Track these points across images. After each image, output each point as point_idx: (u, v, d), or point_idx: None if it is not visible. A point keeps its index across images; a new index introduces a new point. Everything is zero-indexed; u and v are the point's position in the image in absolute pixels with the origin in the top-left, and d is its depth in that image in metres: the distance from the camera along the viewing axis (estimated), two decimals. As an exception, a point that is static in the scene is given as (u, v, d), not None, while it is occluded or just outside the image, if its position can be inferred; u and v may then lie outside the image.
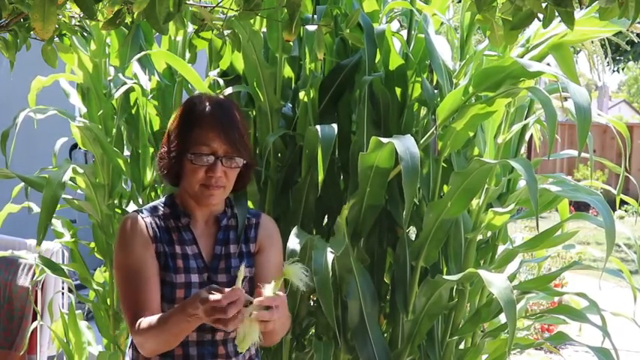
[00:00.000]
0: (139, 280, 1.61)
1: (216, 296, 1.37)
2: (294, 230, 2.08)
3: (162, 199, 1.78)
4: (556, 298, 3.49)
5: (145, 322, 1.56)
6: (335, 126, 2.15)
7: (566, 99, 2.13)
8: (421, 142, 2.17)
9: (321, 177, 2.06)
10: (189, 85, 2.50)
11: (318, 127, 2.12)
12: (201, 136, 1.65)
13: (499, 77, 2.01)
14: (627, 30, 2.02)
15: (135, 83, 2.46)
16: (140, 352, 1.64)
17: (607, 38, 2.09)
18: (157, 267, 1.65)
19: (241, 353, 1.70)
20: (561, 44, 2.00)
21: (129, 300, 1.62)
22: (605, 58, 2.13)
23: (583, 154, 1.90)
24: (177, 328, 1.49)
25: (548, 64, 2.12)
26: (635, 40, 2.05)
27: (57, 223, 2.82)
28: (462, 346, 2.44)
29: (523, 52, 2.14)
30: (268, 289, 1.43)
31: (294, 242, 2.03)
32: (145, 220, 1.69)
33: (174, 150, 1.68)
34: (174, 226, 1.71)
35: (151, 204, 1.78)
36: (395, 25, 2.60)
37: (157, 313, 1.59)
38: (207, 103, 1.69)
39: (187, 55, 2.52)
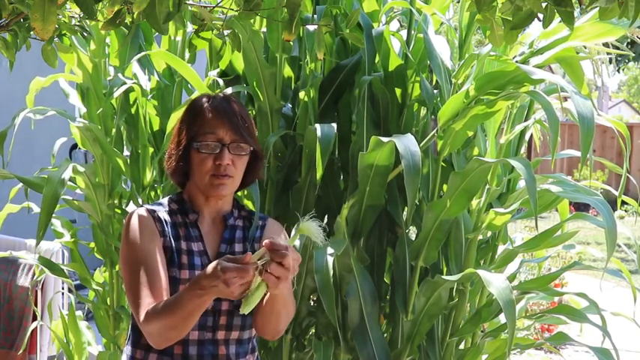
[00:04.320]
0: (146, 272, 1.59)
1: (241, 267, 1.35)
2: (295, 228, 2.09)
3: (169, 197, 1.79)
4: (556, 298, 3.49)
5: (152, 309, 1.53)
6: (334, 125, 2.15)
7: (565, 99, 2.13)
8: (422, 144, 2.17)
9: (319, 174, 2.07)
10: (189, 85, 2.50)
11: (317, 125, 2.13)
12: (206, 125, 1.67)
13: (501, 82, 2.01)
14: (631, 34, 2.01)
15: (134, 83, 2.46)
16: (150, 343, 1.59)
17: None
18: (164, 259, 1.64)
19: (241, 351, 1.70)
20: (570, 54, 1.99)
21: (136, 291, 1.59)
22: (610, 62, 2.12)
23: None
24: (190, 305, 1.44)
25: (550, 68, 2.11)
26: (637, 41, 2.05)
27: (57, 223, 2.82)
28: (462, 346, 2.44)
29: (527, 56, 2.13)
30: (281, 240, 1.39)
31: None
32: (152, 214, 1.69)
33: (180, 143, 1.69)
34: (182, 222, 1.72)
35: (156, 201, 1.79)
36: (395, 25, 2.61)
37: None
38: (209, 98, 1.73)
39: (187, 55, 2.52)
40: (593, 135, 1.83)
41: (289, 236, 1.88)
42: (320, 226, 1.38)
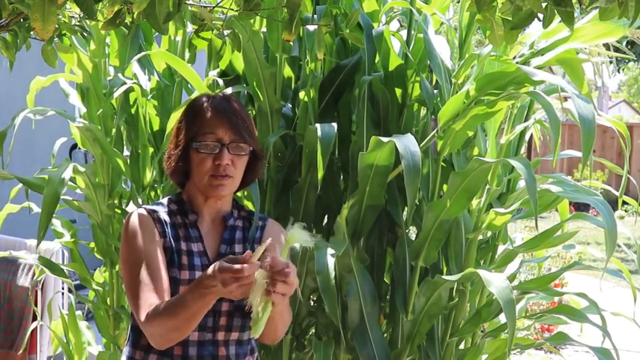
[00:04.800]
0: (147, 272, 1.59)
1: (237, 266, 1.34)
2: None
3: (168, 197, 1.78)
4: (556, 298, 3.49)
5: (154, 310, 1.52)
6: (335, 125, 2.15)
7: (566, 99, 2.13)
8: (422, 144, 2.17)
9: (320, 174, 2.07)
10: (189, 85, 2.50)
11: (317, 125, 2.13)
12: (205, 125, 1.67)
13: (502, 82, 2.01)
14: (631, 35, 2.01)
15: (134, 83, 2.46)
16: (152, 344, 1.58)
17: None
18: (165, 259, 1.64)
19: (241, 352, 1.70)
20: (571, 56, 1.98)
21: (136, 292, 1.58)
22: (610, 62, 2.12)
23: (581, 154, 1.90)
24: (194, 306, 1.44)
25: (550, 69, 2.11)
26: (637, 42, 2.05)
27: (57, 223, 2.82)
28: (462, 346, 2.44)
29: (527, 57, 2.13)
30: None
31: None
32: (152, 214, 1.69)
33: (180, 144, 1.69)
34: (181, 223, 1.71)
35: (155, 202, 1.78)
36: (395, 25, 2.61)
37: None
38: (208, 98, 1.72)
39: (187, 55, 2.52)
40: (594, 138, 1.82)
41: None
42: (305, 228, 1.40)
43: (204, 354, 1.65)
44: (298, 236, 1.40)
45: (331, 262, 2.02)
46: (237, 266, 1.35)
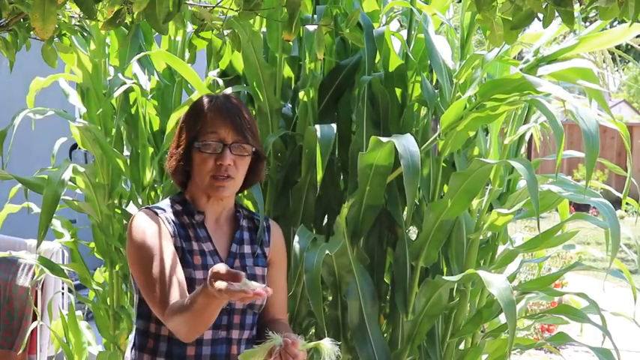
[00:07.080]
0: (159, 267, 1.58)
1: (235, 288, 1.31)
2: (299, 230, 2.09)
3: (171, 198, 1.77)
4: (556, 298, 3.48)
5: (170, 308, 1.52)
6: (334, 125, 2.15)
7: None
8: (423, 146, 2.17)
9: (319, 175, 2.07)
10: (189, 85, 2.50)
11: (317, 126, 2.13)
12: (208, 125, 1.67)
13: (506, 89, 2.00)
14: (636, 44, 2.01)
15: (134, 83, 2.45)
16: (179, 338, 1.57)
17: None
18: (175, 254, 1.62)
19: None
20: (590, 77, 1.96)
21: (153, 289, 1.57)
22: (614, 60, 2.12)
23: (581, 154, 1.90)
24: (207, 307, 1.43)
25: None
26: (637, 47, 2.05)
27: (57, 223, 2.82)
28: (462, 347, 2.44)
29: (533, 64, 2.11)
30: (300, 343, 1.51)
31: (297, 241, 2.05)
32: (158, 215, 1.68)
33: (182, 143, 1.69)
34: (189, 223, 1.71)
35: (157, 204, 1.77)
36: (395, 25, 2.60)
37: (184, 296, 1.54)
38: (211, 98, 1.73)
39: (187, 55, 2.52)
40: (598, 152, 1.82)
41: (285, 240, 1.91)
42: (337, 349, 1.48)
43: (217, 353, 1.65)
44: (327, 350, 1.46)
45: (319, 262, 2.01)
46: (235, 289, 1.32)
